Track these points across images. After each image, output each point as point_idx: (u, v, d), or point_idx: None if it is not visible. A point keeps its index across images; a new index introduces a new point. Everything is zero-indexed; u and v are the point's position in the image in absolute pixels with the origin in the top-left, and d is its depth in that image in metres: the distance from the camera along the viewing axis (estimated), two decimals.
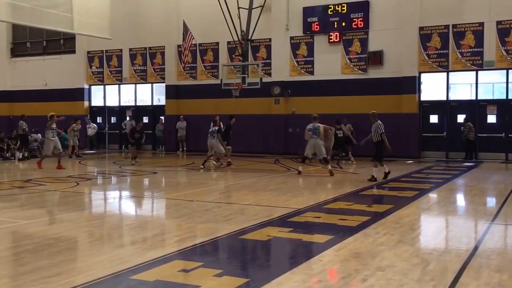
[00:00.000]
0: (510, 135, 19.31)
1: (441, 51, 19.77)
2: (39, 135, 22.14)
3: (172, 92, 24.52)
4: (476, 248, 6.35)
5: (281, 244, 6.70)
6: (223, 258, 6.16)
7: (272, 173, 15.33)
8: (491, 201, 10.87)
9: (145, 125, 25.96)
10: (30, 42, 28.29)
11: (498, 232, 7.55)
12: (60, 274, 5.13)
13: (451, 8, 19.56)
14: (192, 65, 23.87)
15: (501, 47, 18.92)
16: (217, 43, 23.49)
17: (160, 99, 25.57)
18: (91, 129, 25.67)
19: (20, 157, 19.94)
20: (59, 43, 27.47)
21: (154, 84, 25.52)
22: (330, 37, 21.39)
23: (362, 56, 20.94)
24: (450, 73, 20.04)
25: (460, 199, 11.36)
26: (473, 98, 19.91)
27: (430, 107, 20.49)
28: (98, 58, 26.45)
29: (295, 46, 22.12)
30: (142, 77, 25.51)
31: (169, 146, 24.40)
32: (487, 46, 19.09)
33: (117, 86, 26.45)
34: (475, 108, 19.77)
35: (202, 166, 16.03)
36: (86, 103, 26.90)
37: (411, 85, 20.15)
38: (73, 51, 26.89)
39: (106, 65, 26.26)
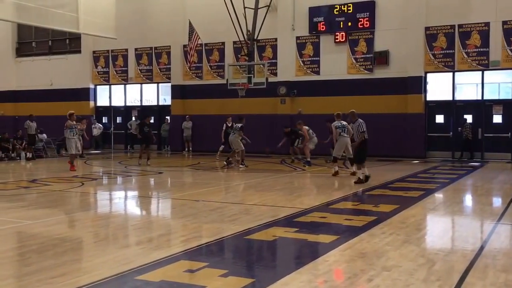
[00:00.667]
0: None
1: (447, 51, 19.69)
2: (45, 135, 22.25)
3: (177, 92, 24.54)
4: (482, 248, 6.31)
5: (287, 244, 6.67)
6: (229, 258, 6.14)
7: (278, 173, 15.31)
8: (497, 201, 10.80)
9: (151, 125, 26.11)
10: (35, 42, 28.40)
11: (504, 232, 7.50)
12: (65, 274, 5.13)
13: (457, 8, 19.49)
14: (198, 65, 23.89)
15: (507, 47, 18.82)
16: (223, 43, 23.49)
17: (165, 99, 25.61)
18: (97, 129, 25.74)
19: (26, 157, 20.01)
20: (65, 43, 27.57)
21: (160, 84, 25.57)
22: (336, 37, 21.35)
23: (368, 56, 20.89)
24: (456, 73, 19.96)
25: (466, 199, 11.30)
26: (479, 98, 19.83)
27: (436, 107, 20.41)
28: (104, 58, 26.52)
29: (301, 46, 22.10)
30: (148, 77, 25.55)
31: (174, 146, 24.43)
32: (493, 46, 18.99)
33: (122, 86, 26.51)
34: (481, 108, 19.68)
35: (226, 164, 16.38)
36: (91, 103, 26.97)
37: (417, 85, 20.08)
38: (79, 51, 26.97)
39: (111, 65, 26.33)
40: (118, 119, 26.87)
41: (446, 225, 8.31)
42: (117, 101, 26.86)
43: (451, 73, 19.98)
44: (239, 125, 16.67)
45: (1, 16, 19.87)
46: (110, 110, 26.95)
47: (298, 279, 4.97)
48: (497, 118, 19.64)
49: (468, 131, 19.35)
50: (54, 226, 7.72)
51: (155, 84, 25.69)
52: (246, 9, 20.11)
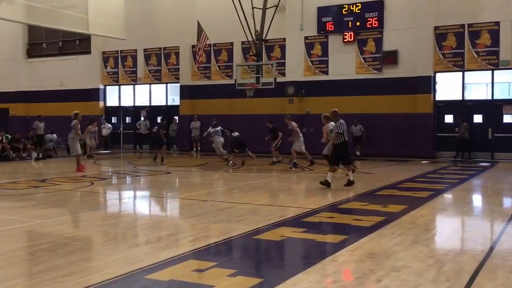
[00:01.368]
0: None
1: (457, 51, 19.58)
2: (55, 135, 22.41)
3: (186, 92, 24.61)
4: (491, 249, 6.28)
5: (295, 244, 6.68)
6: (237, 258, 6.16)
7: (286, 173, 15.30)
8: (507, 202, 10.73)
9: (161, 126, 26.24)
10: (46, 43, 28.60)
11: None
12: (75, 273, 5.18)
13: (467, 7, 19.37)
14: (206, 65, 23.95)
15: None
16: (231, 43, 23.53)
17: (174, 99, 25.68)
18: (106, 129, 25.87)
19: (36, 157, 20.17)
20: (75, 43, 27.74)
21: (169, 84, 25.66)
22: (345, 37, 21.31)
23: (376, 55, 20.83)
24: (466, 73, 19.85)
25: (476, 200, 11.24)
26: (489, 97, 19.71)
27: (446, 107, 20.30)
28: (113, 58, 26.66)
29: (309, 46, 22.08)
30: (156, 77, 25.64)
31: (183, 146, 24.50)
32: (503, 45, 18.86)
33: (131, 86, 26.63)
34: (491, 108, 19.55)
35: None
36: (101, 103, 27.12)
37: (426, 84, 19.99)
38: (89, 52, 27.14)
39: (121, 66, 26.46)
40: (127, 119, 26.99)
41: (455, 226, 8.27)
42: (126, 101, 26.99)
43: (460, 73, 19.87)
44: (219, 128, 18.07)
45: (12, 18, 20.03)
46: (119, 110, 27.08)
47: (306, 279, 4.98)
48: (508, 118, 19.50)
49: (464, 131, 19.32)
50: (64, 225, 7.78)
51: (164, 85, 25.78)
52: (254, 9, 20.15)
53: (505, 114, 19.48)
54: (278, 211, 8.77)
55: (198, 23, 21.54)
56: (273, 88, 19.80)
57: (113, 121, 27.01)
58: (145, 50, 25.68)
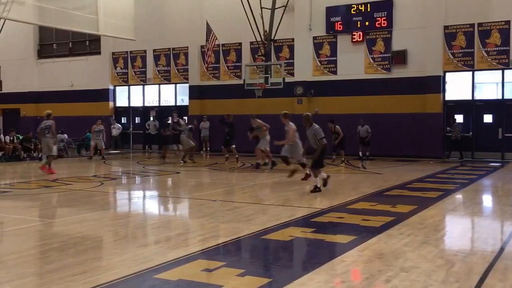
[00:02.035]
0: None
1: (466, 50, 19.46)
2: (65, 135, 22.58)
3: (195, 92, 24.68)
4: (502, 249, 6.25)
5: (304, 244, 6.69)
6: (246, 258, 6.18)
7: (295, 173, 15.26)
8: None
9: (168, 126, 26.28)
10: (56, 43, 28.80)
11: None
12: (85, 272, 5.22)
13: (477, 6, 19.25)
14: (215, 65, 24.00)
15: None
16: (240, 44, 23.56)
17: (183, 99, 25.76)
18: (116, 129, 26.01)
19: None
20: (85, 44, 27.91)
21: (178, 85, 25.74)
22: (353, 37, 21.26)
23: (385, 55, 20.76)
24: (476, 72, 19.72)
25: (486, 200, 11.17)
26: (499, 97, 19.57)
27: (455, 107, 20.18)
28: (123, 59, 26.79)
29: (318, 45, 22.05)
30: (165, 78, 25.74)
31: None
32: None
33: (141, 86, 26.75)
34: (502, 107, 19.41)
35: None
36: (111, 104, 27.27)
37: (436, 84, 19.89)
38: (98, 52, 27.29)
39: (130, 66, 26.58)
40: (137, 120, 27.13)
41: (465, 226, 8.23)
42: (136, 102, 27.12)
43: (470, 72, 19.75)
44: (190, 126, 19.26)
45: (23, 19, 20.21)
46: (128, 111, 27.22)
47: (315, 279, 4.98)
48: None
49: (457, 131, 19.30)
50: (75, 224, 7.84)
51: (173, 85, 25.87)
52: (263, 9, 20.16)
53: None
54: (287, 211, 8.78)
55: (207, 24, 21.60)
56: (282, 88, 19.80)
57: (122, 121, 27.15)
58: (154, 50, 25.79)
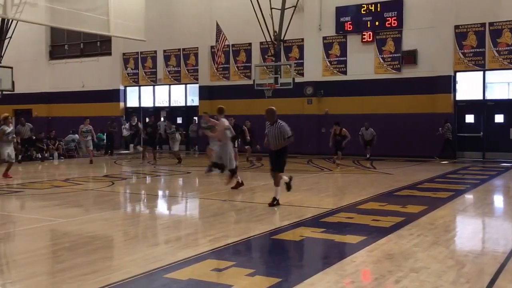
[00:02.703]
0: None
1: (477, 50, 19.33)
2: (76, 135, 22.73)
3: (205, 92, 24.74)
4: None
5: (314, 244, 6.69)
6: (256, 258, 6.20)
7: (305, 173, 15.29)
8: None
9: (179, 126, 26.34)
10: (68, 44, 29.01)
11: None
12: (96, 272, 5.26)
13: (488, 5, 19.11)
14: (225, 65, 24.04)
15: None
16: (250, 44, 23.58)
17: (193, 99, 25.84)
18: (127, 129, 26.11)
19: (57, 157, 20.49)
20: (96, 45, 28.10)
21: (188, 85, 25.82)
22: (363, 37, 21.19)
23: (395, 55, 20.67)
24: (487, 72, 19.57)
25: (497, 200, 11.09)
26: (511, 97, 19.42)
27: (466, 107, 20.05)
28: (133, 59, 26.92)
29: (327, 46, 22.01)
30: (176, 78, 25.83)
31: (202, 147, 24.58)
32: None
33: (151, 87, 26.87)
34: None
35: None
36: (121, 104, 27.42)
37: (446, 84, 19.78)
38: (109, 53, 27.46)
39: (141, 67, 26.71)
40: (147, 120, 27.20)
41: (476, 227, 8.18)
42: (146, 102, 27.24)
43: (481, 72, 19.61)
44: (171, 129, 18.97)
45: (35, 20, 20.38)
46: (139, 111, 27.34)
47: (324, 279, 4.99)
48: None
49: (448, 132, 19.27)
50: (86, 224, 7.91)
51: (183, 85, 25.96)
52: (272, 9, 20.16)
53: None
54: (297, 211, 8.78)
55: (217, 24, 21.65)
56: (291, 89, 19.80)
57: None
58: (164, 51, 25.89)
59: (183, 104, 26.19)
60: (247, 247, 6.57)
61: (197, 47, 24.88)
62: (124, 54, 27.13)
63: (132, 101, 27.63)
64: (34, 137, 20.69)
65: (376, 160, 18.78)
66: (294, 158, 20.44)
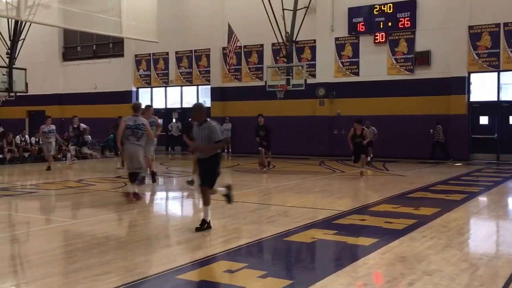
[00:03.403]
0: None
1: (492, 50, 19.15)
2: (89, 136, 22.90)
3: (217, 94, 24.79)
4: None
5: (326, 246, 6.67)
6: (268, 260, 6.19)
7: (317, 175, 15.25)
8: None
9: (191, 127, 26.42)
10: (80, 46, 29.25)
11: None
12: (109, 272, 5.29)
13: (502, 5, 18.93)
14: (237, 67, 24.07)
15: None
16: (262, 45, 23.59)
17: (205, 101, 25.88)
18: None
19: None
20: (108, 47, 28.29)
21: (200, 86, 25.89)
22: (376, 38, 21.10)
23: (408, 56, 20.55)
24: (501, 73, 19.37)
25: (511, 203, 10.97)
26: None
27: (480, 108, 19.86)
28: (146, 61, 27.07)
29: (340, 47, 21.94)
30: (187, 80, 25.92)
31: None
32: None
33: (163, 88, 26.98)
34: None
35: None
36: None
37: (460, 85, 19.61)
38: (122, 55, 27.63)
39: (153, 68, 26.84)
40: (159, 121, 27.29)
41: (490, 229, 8.09)
42: (158, 104, 27.35)
43: (496, 73, 19.42)
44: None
45: (48, 22, 20.55)
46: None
47: (337, 282, 4.97)
48: None
49: (439, 134, 19.27)
50: (99, 225, 7.95)
51: (195, 87, 26.03)
52: (284, 10, 20.14)
53: None
54: (309, 213, 8.76)
55: (229, 25, 21.67)
56: (303, 90, 19.75)
57: None
58: (176, 52, 25.99)
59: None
60: (259, 249, 6.56)
61: (209, 49, 24.94)
62: (136, 55, 27.29)
63: (144, 103, 27.66)
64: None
65: (389, 162, 18.66)
66: (306, 159, 20.42)
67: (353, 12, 21.48)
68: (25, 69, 23.72)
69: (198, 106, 7.95)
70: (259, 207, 9.38)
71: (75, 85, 28.76)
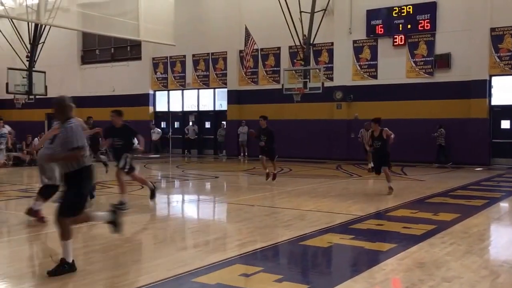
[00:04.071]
0: None
1: None
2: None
3: (233, 97, 24.81)
4: None
5: (342, 251, 6.59)
6: (284, 264, 6.13)
7: (334, 179, 15.14)
8: None
9: (207, 130, 26.52)
10: (99, 49, 29.54)
11: None
12: (125, 274, 5.30)
13: None
14: (253, 70, 24.07)
15: None
16: (279, 48, 23.56)
17: (222, 104, 25.95)
18: (156, 134, 26.42)
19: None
20: (126, 50, 28.52)
21: (216, 89, 25.95)
22: (395, 40, 20.92)
23: (428, 59, 20.33)
24: None
25: None
26: None
27: (502, 112, 19.54)
28: (163, 64, 27.22)
29: (358, 49, 21.81)
30: (204, 83, 25.99)
31: (230, 151, 24.68)
32: None
33: (180, 91, 27.10)
34: None
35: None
36: (151, 108, 27.74)
37: (481, 89, 19.31)
38: (139, 58, 27.83)
39: (170, 71, 26.98)
40: (176, 124, 27.48)
41: (511, 236, 7.92)
42: (175, 107, 27.49)
43: None
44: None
45: (67, 25, 20.82)
46: (168, 115, 27.62)
47: (353, 287, 4.90)
48: None
49: (441, 138, 19.19)
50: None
51: (212, 90, 26.09)
52: (302, 13, 20.10)
53: None
54: (325, 217, 8.68)
55: (246, 28, 21.69)
56: (320, 93, 19.68)
57: (162, 126, 27.56)
58: (193, 55, 26.10)
59: (211, 108, 26.33)
60: (275, 253, 6.51)
61: (226, 51, 24.98)
62: (153, 58, 27.46)
63: (161, 106, 27.91)
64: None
65: (407, 166, 18.45)
66: (323, 163, 20.30)
67: (371, 14, 21.34)
68: (44, 72, 24.03)
69: (57, 101, 5.81)
70: (275, 211, 9.32)
71: (93, 88, 29.00)
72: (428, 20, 20.20)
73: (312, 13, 20.20)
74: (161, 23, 20.87)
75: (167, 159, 23.66)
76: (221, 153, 25.15)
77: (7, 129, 13.33)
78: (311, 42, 20.59)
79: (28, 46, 24.11)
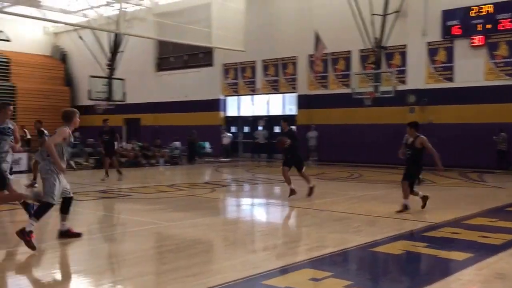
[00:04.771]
0: None
1: None
2: (179, 143, 23.87)
3: (303, 101, 24.76)
4: None
5: (415, 259, 6.40)
6: (353, 270, 6.06)
7: None
8: None
9: (276, 135, 26.65)
10: (173, 56, 30.52)
11: None
12: (197, 274, 5.44)
13: None
14: (323, 74, 23.92)
15: None
16: (349, 52, 23.25)
17: (291, 108, 25.97)
18: (226, 138, 26.91)
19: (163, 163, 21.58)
20: (198, 57, 29.24)
21: (286, 94, 26.01)
22: (473, 41, 20.02)
23: (509, 60, 19.29)
24: None
25: None
26: None
27: None
28: (233, 70, 27.67)
29: (432, 51, 21.09)
30: (274, 87, 26.14)
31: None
32: None
33: (250, 96, 27.42)
34: None
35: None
36: (221, 114, 28.26)
37: None
38: (211, 64, 28.46)
39: (240, 77, 27.38)
40: (246, 129, 27.82)
41: None
42: (245, 111, 27.84)
43: None
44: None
45: (144, 34, 21.74)
46: (238, 120, 28.03)
47: None
48: None
49: (502, 142, 18.31)
50: (188, 228, 8.22)
51: (281, 94, 26.18)
52: (373, 15, 19.75)
53: None
54: (397, 223, 8.47)
55: (316, 33, 21.60)
56: (392, 97, 19.21)
57: (232, 131, 28.01)
58: (263, 61, 26.33)
59: (281, 113, 26.41)
60: (344, 258, 6.45)
61: (296, 56, 24.99)
62: (224, 64, 27.97)
63: (231, 111, 28.37)
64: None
65: (486, 173, 17.60)
66: (392, 169, 19.78)
67: (447, 15, 20.55)
68: (123, 79, 25.18)
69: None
70: (345, 216, 9.21)
71: (167, 94, 29.93)
72: (509, 19, 19.16)
73: (384, 15, 19.80)
74: (232, 30, 21.30)
75: (237, 163, 24.00)
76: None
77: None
78: (383, 45, 20.17)
79: (108, 54, 25.39)
